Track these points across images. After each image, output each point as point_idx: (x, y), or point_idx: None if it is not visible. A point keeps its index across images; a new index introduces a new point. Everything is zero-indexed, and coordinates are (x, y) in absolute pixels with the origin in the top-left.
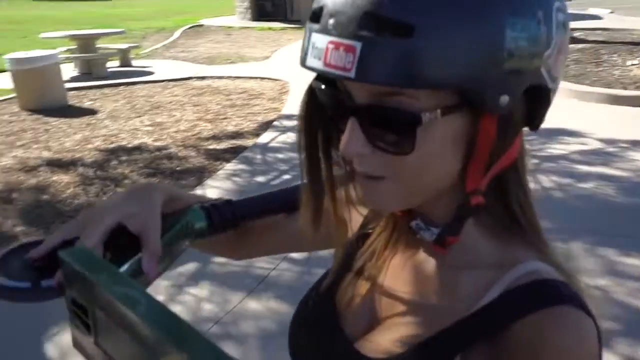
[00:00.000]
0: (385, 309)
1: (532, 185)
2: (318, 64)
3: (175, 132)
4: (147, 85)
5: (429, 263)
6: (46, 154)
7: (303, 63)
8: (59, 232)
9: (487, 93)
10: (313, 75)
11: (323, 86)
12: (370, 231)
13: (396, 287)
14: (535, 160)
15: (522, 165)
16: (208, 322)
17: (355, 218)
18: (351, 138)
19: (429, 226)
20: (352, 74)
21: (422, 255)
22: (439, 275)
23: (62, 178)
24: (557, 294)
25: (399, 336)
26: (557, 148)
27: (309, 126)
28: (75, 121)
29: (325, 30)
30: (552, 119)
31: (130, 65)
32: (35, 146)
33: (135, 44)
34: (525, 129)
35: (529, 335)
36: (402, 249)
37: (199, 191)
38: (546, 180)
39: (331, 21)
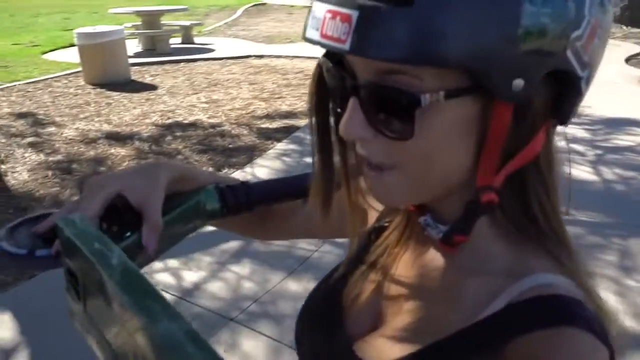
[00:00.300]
0: (389, 310)
1: (593, 177)
2: (315, 35)
3: (230, 109)
4: (206, 62)
5: (438, 263)
6: (106, 127)
7: (303, 35)
8: (66, 205)
9: (499, 75)
10: None
11: (330, 64)
12: (386, 224)
13: (403, 286)
14: (599, 152)
15: (547, 162)
16: (247, 300)
17: (375, 208)
18: (351, 119)
19: (437, 223)
20: (346, 46)
21: (432, 254)
22: (446, 278)
23: (119, 151)
24: (567, 312)
25: (399, 342)
26: (622, 139)
27: (319, 106)
28: (136, 96)
29: None
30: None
31: (192, 42)
32: (97, 119)
33: (198, 22)
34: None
35: (532, 354)
36: (414, 246)
37: (248, 169)
38: (608, 173)
39: None
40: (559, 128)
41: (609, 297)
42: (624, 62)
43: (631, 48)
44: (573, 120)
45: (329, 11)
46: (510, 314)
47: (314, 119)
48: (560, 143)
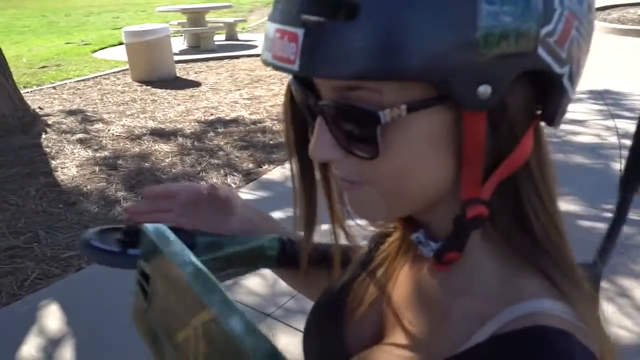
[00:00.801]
0: (386, 325)
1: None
2: (268, 56)
3: (272, 106)
4: (249, 58)
5: (430, 282)
6: (151, 124)
7: (261, 57)
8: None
9: (461, 84)
10: None
11: (297, 84)
12: (392, 229)
13: (399, 302)
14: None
15: (538, 167)
16: (284, 296)
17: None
18: (318, 140)
19: (429, 240)
20: (295, 66)
21: (425, 272)
22: (439, 296)
23: (162, 147)
24: (550, 350)
25: (396, 358)
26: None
27: (292, 125)
28: (180, 93)
29: (273, 18)
30: None
31: (236, 39)
32: (142, 116)
33: (242, 18)
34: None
35: None
36: (412, 259)
37: (288, 166)
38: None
39: (279, 7)
40: (611, 123)
41: None
42: None
43: None
44: (624, 113)
45: (277, 30)
46: (491, 349)
47: (289, 140)
48: (611, 139)
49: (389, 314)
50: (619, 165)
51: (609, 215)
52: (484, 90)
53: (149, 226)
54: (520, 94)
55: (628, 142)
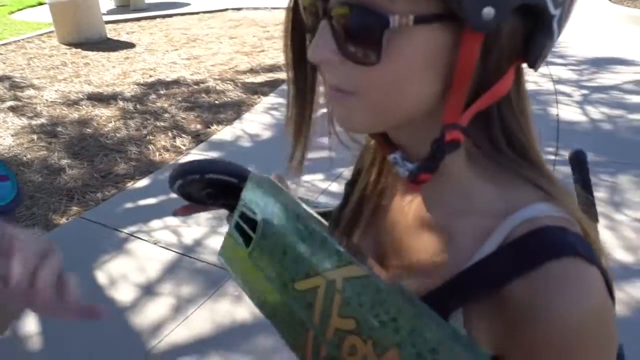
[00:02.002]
0: (385, 258)
1: (581, 117)
2: None
3: (212, 65)
4: (183, 17)
5: (426, 208)
6: (87, 88)
7: None
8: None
9: (469, 2)
10: None
11: None
12: (365, 167)
13: (396, 231)
14: (585, 92)
15: (517, 103)
16: None
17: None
18: (320, 42)
19: (405, 161)
20: None
21: (419, 199)
22: (436, 222)
23: (103, 112)
24: (553, 245)
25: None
26: (608, 77)
27: (291, 33)
28: (114, 55)
29: None
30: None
31: None
32: (76, 80)
33: None
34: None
35: (528, 297)
36: (398, 191)
37: (237, 125)
38: (595, 113)
39: None
40: (546, 70)
41: (601, 231)
42: (608, 0)
43: None
44: (558, 60)
45: None
46: (502, 257)
47: (288, 53)
48: (546, 85)
49: (387, 243)
50: (555, 110)
51: (551, 157)
52: (488, 12)
53: (256, 176)
54: (513, 27)
55: (561, 87)
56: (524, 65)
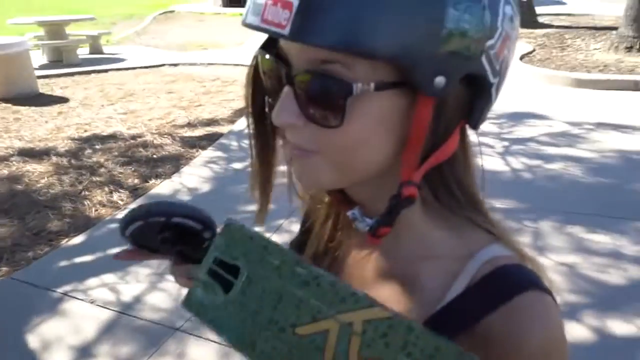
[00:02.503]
0: None
1: (503, 167)
2: (256, 20)
3: (150, 119)
4: (119, 72)
5: (386, 258)
6: (18, 144)
7: (243, 21)
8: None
9: (423, 71)
10: None
11: (267, 55)
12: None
13: (356, 287)
14: (505, 143)
15: (464, 157)
16: None
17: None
18: (284, 106)
19: (364, 217)
20: (286, 31)
21: (377, 252)
22: (398, 271)
23: (35, 167)
24: (517, 281)
25: None
26: (525, 131)
27: (255, 97)
28: (47, 109)
29: None
30: (519, 103)
31: (101, 52)
32: (6, 135)
33: (105, 31)
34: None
35: (504, 328)
36: (357, 245)
37: (176, 179)
38: (515, 162)
39: None
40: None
41: None
42: (519, 60)
43: (523, 47)
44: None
45: None
46: (470, 298)
47: (249, 110)
48: (471, 137)
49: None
50: (480, 161)
51: None
52: (439, 80)
53: (233, 223)
54: (459, 93)
55: (484, 139)
56: (468, 126)
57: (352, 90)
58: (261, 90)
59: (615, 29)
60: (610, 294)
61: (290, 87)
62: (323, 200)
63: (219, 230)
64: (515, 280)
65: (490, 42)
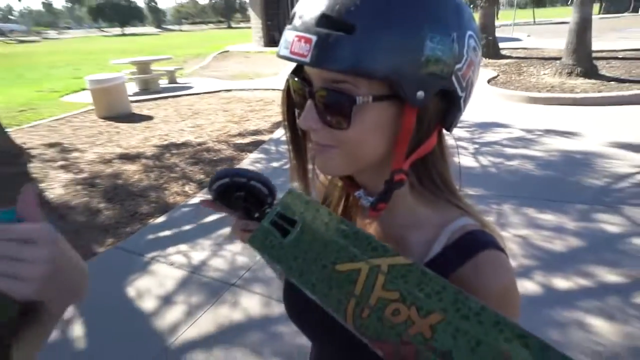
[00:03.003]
0: None
1: (475, 164)
2: (286, 52)
3: (211, 131)
4: (188, 97)
5: (383, 226)
6: (118, 150)
7: (278, 53)
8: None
9: (408, 87)
10: None
11: (295, 78)
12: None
13: None
14: (476, 146)
15: (441, 153)
16: (242, 269)
17: (323, 184)
18: (306, 115)
19: (367, 196)
20: (307, 59)
21: (376, 221)
22: (393, 235)
23: (130, 167)
24: (481, 241)
25: None
26: (491, 136)
27: (288, 110)
28: (138, 125)
29: (294, 28)
30: (487, 116)
31: (176, 82)
32: (109, 144)
33: (179, 67)
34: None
35: (472, 277)
36: (362, 215)
37: None
38: (484, 160)
39: (299, 21)
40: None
41: None
42: (487, 83)
43: (489, 73)
44: (458, 124)
45: (297, 36)
46: (447, 255)
47: (285, 119)
48: (450, 141)
49: None
50: (457, 159)
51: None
52: (420, 94)
53: (295, 191)
54: (436, 105)
55: (460, 143)
56: (444, 129)
57: (355, 101)
58: (292, 106)
59: (559, 59)
60: (554, 258)
61: (311, 100)
62: (337, 185)
63: (280, 196)
64: (479, 241)
65: (458, 66)
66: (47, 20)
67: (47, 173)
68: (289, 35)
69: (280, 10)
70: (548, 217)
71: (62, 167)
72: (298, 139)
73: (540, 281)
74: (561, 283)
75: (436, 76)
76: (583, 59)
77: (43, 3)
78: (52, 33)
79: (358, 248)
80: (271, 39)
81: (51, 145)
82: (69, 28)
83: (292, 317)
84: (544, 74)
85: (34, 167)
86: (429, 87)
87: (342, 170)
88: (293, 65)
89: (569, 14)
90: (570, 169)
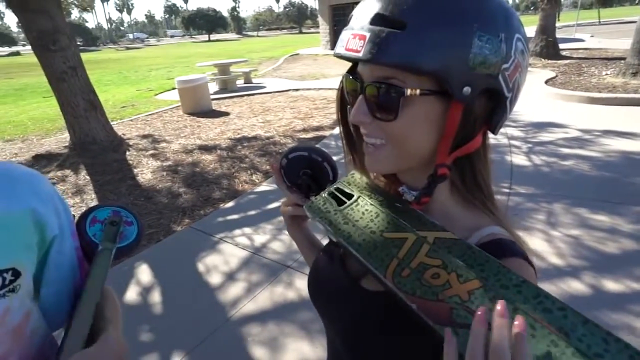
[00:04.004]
0: None
1: (527, 162)
2: (341, 50)
3: (279, 126)
4: (261, 95)
5: None
6: (198, 142)
7: (334, 53)
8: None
9: (455, 82)
10: None
11: (349, 75)
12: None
13: None
14: (530, 145)
15: (484, 155)
16: (298, 253)
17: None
18: (358, 109)
19: (411, 191)
20: (360, 54)
21: None
22: None
23: (207, 157)
24: (512, 249)
25: None
26: (546, 136)
27: (342, 107)
28: (216, 120)
29: (350, 28)
30: (542, 115)
31: (251, 82)
32: (192, 136)
33: (254, 68)
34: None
35: None
36: None
37: None
38: (537, 159)
39: (355, 21)
40: (503, 130)
41: (540, 243)
42: (544, 84)
43: (548, 74)
44: (512, 124)
45: (352, 34)
46: None
47: (339, 115)
48: (503, 140)
49: None
50: (509, 158)
51: (506, 190)
52: (466, 90)
53: (356, 173)
54: (482, 104)
55: (514, 142)
56: (489, 132)
57: (403, 92)
58: (345, 105)
59: (623, 59)
60: (606, 259)
61: (362, 95)
62: (382, 181)
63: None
64: (507, 248)
65: (505, 66)
66: (149, 29)
67: (140, 160)
68: (345, 34)
69: (346, 16)
70: (601, 218)
71: (152, 155)
72: (351, 136)
73: (590, 282)
74: (611, 285)
75: (483, 74)
76: None
77: (146, 15)
78: (152, 40)
79: (408, 221)
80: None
81: (144, 137)
82: (165, 36)
83: (309, 288)
84: (606, 74)
85: (130, 155)
86: (475, 83)
87: (391, 167)
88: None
89: (637, 13)
90: (629, 170)
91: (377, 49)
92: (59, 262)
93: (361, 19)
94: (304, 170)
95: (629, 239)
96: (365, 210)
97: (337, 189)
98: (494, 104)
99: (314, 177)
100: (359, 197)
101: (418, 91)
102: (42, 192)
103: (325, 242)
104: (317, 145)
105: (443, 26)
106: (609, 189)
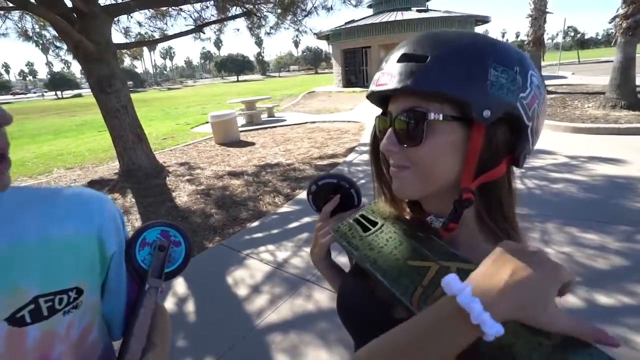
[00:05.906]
0: None
1: (520, 185)
2: (373, 87)
3: (298, 154)
4: (282, 127)
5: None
6: (227, 168)
7: (367, 95)
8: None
9: (475, 105)
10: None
11: (382, 116)
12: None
13: None
14: (522, 170)
15: (509, 185)
16: (315, 269)
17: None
18: (387, 139)
19: (438, 218)
20: (387, 86)
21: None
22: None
23: (235, 182)
24: None
25: None
26: (537, 162)
27: (373, 145)
28: (243, 149)
29: (380, 69)
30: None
31: (273, 116)
32: (222, 163)
33: (276, 104)
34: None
35: None
36: None
37: None
38: (529, 183)
39: (384, 65)
40: None
41: None
42: None
43: None
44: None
45: (383, 73)
46: None
47: (371, 154)
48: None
49: None
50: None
51: None
52: (486, 113)
53: (379, 201)
54: (504, 132)
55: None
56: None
57: (426, 116)
58: (377, 144)
59: (603, 93)
60: (597, 275)
61: (391, 128)
62: (408, 213)
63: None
64: None
65: (522, 94)
66: (187, 72)
67: (177, 185)
68: (376, 75)
69: (356, 58)
70: (591, 237)
71: (188, 180)
72: (382, 174)
73: (583, 296)
74: (604, 299)
75: (501, 98)
76: (627, 94)
77: (185, 61)
78: (189, 82)
79: (431, 251)
80: (348, 81)
81: (182, 164)
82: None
83: (341, 315)
84: (588, 106)
85: (169, 180)
86: (495, 107)
87: (416, 192)
88: (362, 102)
89: (612, 54)
90: (613, 192)
91: (403, 78)
92: (119, 273)
93: (390, 61)
94: (330, 196)
95: (617, 256)
96: (389, 237)
97: (362, 216)
98: (516, 136)
99: (340, 203)
100: (382, 225)
101: (441, 116)
102: (106, 212)
103: (339, 260)
104: (342, 174)
105: (462, 59)
106: (597, 210)
